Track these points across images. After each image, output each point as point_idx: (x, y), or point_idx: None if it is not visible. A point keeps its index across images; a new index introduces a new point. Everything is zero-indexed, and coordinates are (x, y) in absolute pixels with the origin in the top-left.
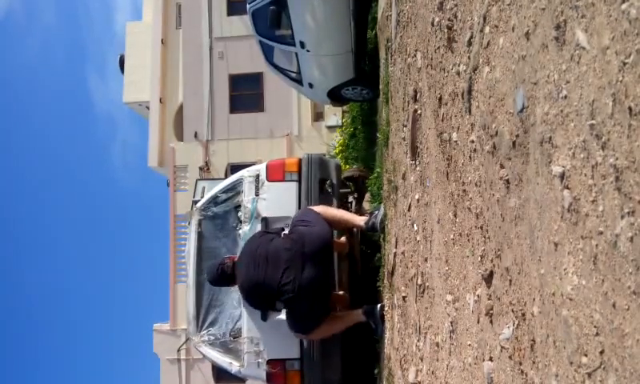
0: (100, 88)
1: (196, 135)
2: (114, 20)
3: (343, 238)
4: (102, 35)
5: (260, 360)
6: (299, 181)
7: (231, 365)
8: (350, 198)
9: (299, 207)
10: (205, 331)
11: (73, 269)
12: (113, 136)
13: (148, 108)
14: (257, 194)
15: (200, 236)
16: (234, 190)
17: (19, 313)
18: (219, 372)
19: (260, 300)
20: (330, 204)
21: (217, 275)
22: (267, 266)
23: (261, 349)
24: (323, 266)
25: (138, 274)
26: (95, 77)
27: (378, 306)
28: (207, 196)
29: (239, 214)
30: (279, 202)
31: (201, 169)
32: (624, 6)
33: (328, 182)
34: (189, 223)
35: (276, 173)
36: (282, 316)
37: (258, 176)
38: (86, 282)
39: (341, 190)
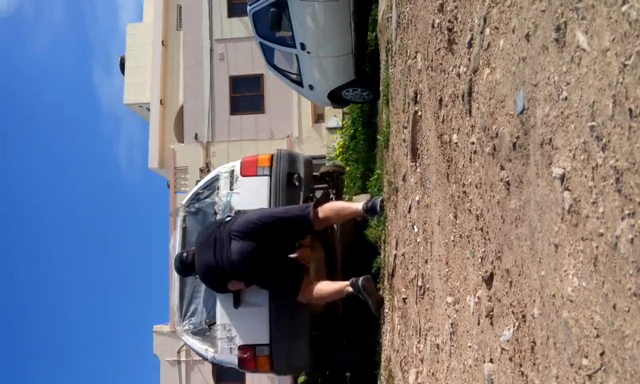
0: (104, 88)
1: (196, 137)
2: (120, 18)
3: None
4: (108, 34)
5: (232, 346)
6: (270, 175)
7: (207, 351)
8: (331, 195)
9: (269, 200)
10: (187, 321)
11: (74, 270)
12: (116, 136)
13: (148, 109)
14: (231, 189)
15: (184, 231)
16: (213, 186)
17: (19, 313)
18: (220, 373)
19: (215, 282)
20: (297, 197)
21: (178, 265)
22: (215, 248)
23: (233, 335)
24: (253, 239)
25: (139, 275)
26: (100, 75)
27: (361, 278)
28: (190, 193)
29: (215, 207)
30: (251, 195)
31: (201, 170)
32: (624, 8)
33: (295, 175)
34: (176, 219)
35: (249, 168)
36: (253, 303)
37: (232, 172)
38: (87, 283)
39: (317, 186)
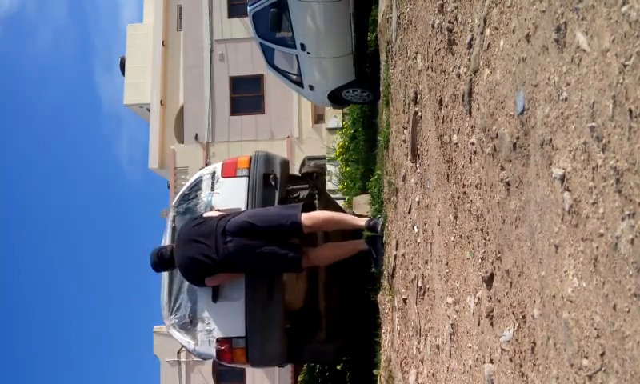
0: (106, 87)
1: (196, 137)
2: (122, 18)
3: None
4: (110, 34)
5: (211, 338)
6: (249, 176)
7: (189, 343)
8: (315, 195)
9: (247, 200)
10: (173, 315)
11: (75, 271)
12: (117, 136)
13: (149, 110)
14: (212, 189)
15: (174, 230)
16: (197, 187)
17: (20, 313)
18: (220, 374)
19: (195, 277)
20: (273, 196)
21: (156, 259)
22: (207, 243)
23: (211, 328)
24: (244, 237)
25: (139, 276)
26: (102, 75)
27: (378, 229)
28: (179, 194)
29: (198, 207)
30: (230, 195)
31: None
32: (624, 9)
33: (271, 176)
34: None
35: (229, 170)
36: (230, 298)
37: (214, 173)
38: (88, 284)
39: (297, 186)
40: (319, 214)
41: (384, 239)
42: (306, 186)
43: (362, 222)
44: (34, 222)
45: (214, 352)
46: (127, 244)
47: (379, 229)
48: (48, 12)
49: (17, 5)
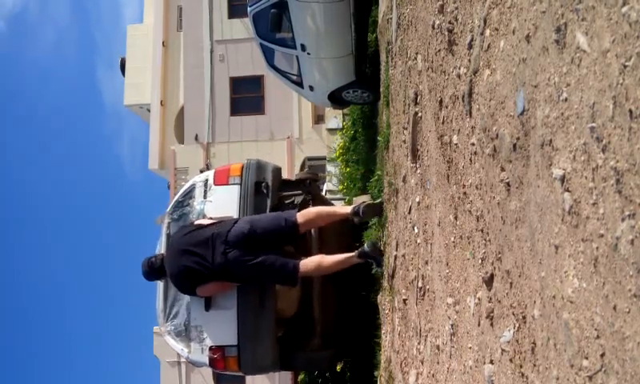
0: (108, 87)
1: (197, 138)
2: (125, 18)
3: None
4: (113, 33)
5: (203, 347)
6: (241, 184)
7: (183, 351)
8: (309, 201)
9: (239, 208)
10: (169, 322)
11: (75, 272)
12: (118, 136)
13: (149, 110)
14: (205, 197)
15: (168, 237)
16: (190, 194)
17: (20, 312)
18: (219, 374)
19: (187, 286)
20: (265, 204)
21: (147, 268)
22: (203, 252)
23: (204, 336)
24: (243, 248)
25: (139, 276)
26: (104, 75)
27: (365, 244)
28: (173, 200)
29: (190, 215)
30: (223, 203)
31: (201, 171)
32: (624, 9)
33: (263, 183)
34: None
35: (221, 178)
36: (222, 306)
37: (207, 181)
38: (88, 284)
39: (291, 192)
40: (310, 210)
41: (384, 239)
42: (299, 191)
43: (349, 209)
44: (35, 221)
45: (206, 360)
46: (127, 244)
47: (361, 212)
48: (50, 12)
49: (20, 4)
